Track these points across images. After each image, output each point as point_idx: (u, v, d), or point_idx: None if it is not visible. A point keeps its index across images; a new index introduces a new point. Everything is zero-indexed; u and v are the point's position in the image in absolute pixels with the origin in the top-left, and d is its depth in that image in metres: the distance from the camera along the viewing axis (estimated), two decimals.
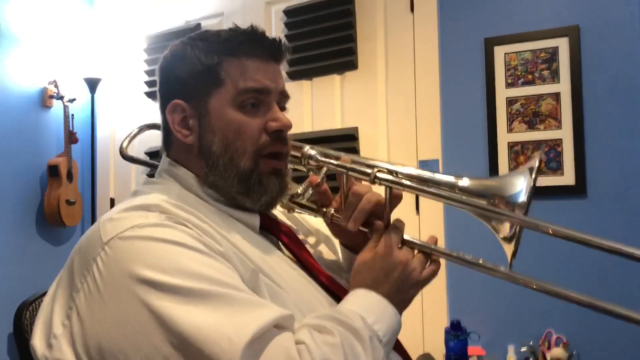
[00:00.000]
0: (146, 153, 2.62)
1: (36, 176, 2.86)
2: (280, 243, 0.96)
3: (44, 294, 1.04)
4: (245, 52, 0.90)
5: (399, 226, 0.89)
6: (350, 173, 0.93)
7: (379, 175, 0.90)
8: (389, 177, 0.90)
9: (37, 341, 0.73)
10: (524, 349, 1.99)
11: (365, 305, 0.82)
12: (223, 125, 0.88)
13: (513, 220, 0.83)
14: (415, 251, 0.89)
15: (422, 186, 0.90)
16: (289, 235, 0.97)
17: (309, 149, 0.93)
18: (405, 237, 0.89)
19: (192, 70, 0.89)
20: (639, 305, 0.77)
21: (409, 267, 0.86)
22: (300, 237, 1.01)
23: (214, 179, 0.88)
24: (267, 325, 0.67)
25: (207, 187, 0.90)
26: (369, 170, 0.91)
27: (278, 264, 0.88)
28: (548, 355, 1.91)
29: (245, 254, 0.83)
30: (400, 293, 0.85)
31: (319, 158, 0.93)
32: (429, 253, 0.89)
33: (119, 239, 0.73)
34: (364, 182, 0.94)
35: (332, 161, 0.94)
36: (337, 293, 0.92)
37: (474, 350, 2.03)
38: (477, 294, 2.11)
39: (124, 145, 1.31)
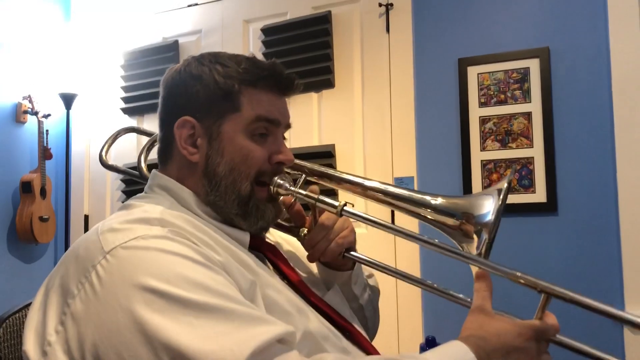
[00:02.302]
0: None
1: (8, 192, 2.81)
2: (267, 261, 0.98)
3: (20, 309, 1.03)
4: (264, 85, 0.93)
5: (556, 327, 0.81)
6: (318, 204, 0.96)
7: (346, 209, 0.93)
8: (356, 211, 0.93)
9: (30, 348, 0.73)
10: None
11: (450, 356, 0.74)
12: (232, 149, 0.91)
13: (473, 263, 0.84)
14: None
15: (389, 224, 0.92)
16: (276, 254, 0.99)
17: (277, 179, 0.95)
18: (560, 337, 0.81)
19: (208, 93, 0.91)
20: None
21: None
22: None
23: (215, 199, 0.91)
24: (270, 340, 0.67)
25: (204, 205, 0.91)
26: (336, 203, 0.94)
27: (269, 279, 0.89)
28: None
29: (243, 264, 0.84)
30: None
31: (288, 187, 0.95)
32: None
33: (122, 248, 0.73)
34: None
35: (300, 191, 0.96)
36: (325, 310, 0.95)
37: None
38: (452, 310, 2.12)
39: (103, 153, 1.31)
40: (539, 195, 2.06)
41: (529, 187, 2.07)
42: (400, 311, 2.20)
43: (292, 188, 0.95)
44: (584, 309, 0.77)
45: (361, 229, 1.95)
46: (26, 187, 2.77)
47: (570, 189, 2.03)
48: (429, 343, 1.93)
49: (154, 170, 0.97)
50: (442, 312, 2.16)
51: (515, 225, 2.07)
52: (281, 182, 0.95)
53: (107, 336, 0.67)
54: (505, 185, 0.87)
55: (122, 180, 2.84)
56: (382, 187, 0.98)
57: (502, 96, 2.15)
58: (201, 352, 0.63)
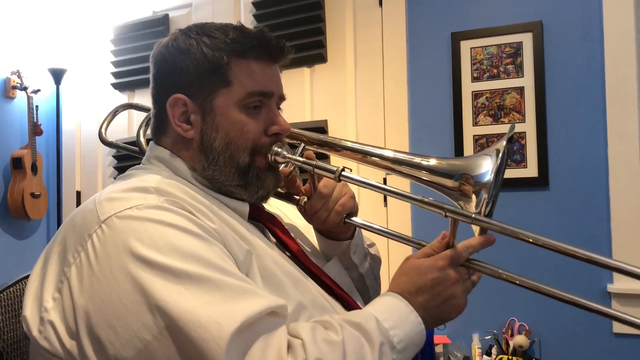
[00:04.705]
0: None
1: None
2: (267, 231, 0.98)
3: (14, 283, 1.03)
4: (254, 54, 0.91)
5: (469, 245, 0.85)
6: (316, 170, 0.96)
7: (345, 174, 0.93)
8: (354, 176, 0.93)
9: (29, 314, 0.74)
10: (488, 337, 2.05)
11: (387, 308, 0.80)
12: (227, 124, 0.90)
13: (477, 223, 0.85)
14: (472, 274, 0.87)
15: (388, 187, 0.92)
16: (275, 223, 0.99)
17: (275, 147, 0.95)
18: (480, 263, 0.85)
19: (197, 67, 0.89)
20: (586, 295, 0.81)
21: (458, 288, 0.83)
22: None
23: (213, 173, 0.90)
24: (258, 314, 0.67)
25: (201, 178, 0.91)
26: (334, 169, 0.94)
27: (267, 249, 0.89)
28: (511, 343, 1.97)
29: (240, 234, 0.85)
30: (439, 309, 0.83)
31: (286, 155, 0.95)
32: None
33: (117, 217, 0.73)
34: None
35: (298, 158, 0.97)
36: (324, 280, 0.95)
37: (440, 339, 2.08)
38: None
39: (103, 130, 1.31)
40: (531, 169, 2.07)
41: (521, 161, 2.08)
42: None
43: (290, 155, 0.95)
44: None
45: None
46: (17, 163, 2.76)
47: (562, 163, 2.04)
48: None
49: (151, 142, 0.97)
50: None
51: (507, 199, 2.08)
52: (279, 150, 0.94)
53: (99, 306, 0.68)
54: (504, 143, 0.87)
55: (114, 156, 2.82)
56: (381, 152, 0.98)
57: (495, 71, 2.14)
58: (190, 322, 0.64)
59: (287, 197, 1.04)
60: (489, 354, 2.01)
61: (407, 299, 0.82)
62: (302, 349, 0.68)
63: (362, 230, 1.08)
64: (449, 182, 0.91)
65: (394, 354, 0.76)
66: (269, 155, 0.94)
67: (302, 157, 0.98)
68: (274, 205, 1.09)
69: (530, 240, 0.81)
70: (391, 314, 0.79)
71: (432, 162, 0.93)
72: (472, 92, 2.17)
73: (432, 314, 0.82)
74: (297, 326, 0.73)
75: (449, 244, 0.86)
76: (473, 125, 2.16)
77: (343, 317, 0.77)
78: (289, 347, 0.69)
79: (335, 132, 2.39)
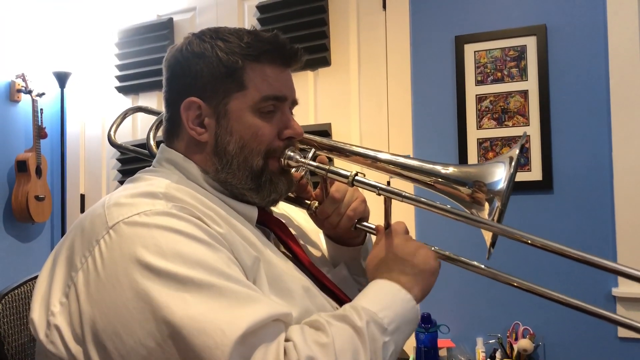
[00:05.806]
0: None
1: (4, 172, 2.80)
2: (273, 236, 0.98)
3: (19, 285, 1.03)
4: (268, 59, 0.92)
5: (400, 223, 0.94)
6: (329, 175, 0.96)
7: (358, 178, 0.93)
8: (368, 180, 0.93)
9: (36, 317, 0.75)
10: (492, 340, 2.04)
11: (371, 294, 0.82)
12: (241, 128, 0.90)
13: (490, 229, 0.85)
14: None
15: (401, 191, 0.91)
16: (283, 229, 0.99)
17: (287, 151, 0.95)
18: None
19: (212, 71, 0.90)
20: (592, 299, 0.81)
21: (417, 243, 0.90)
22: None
23: (226, 176, 0.91)
24: (261, 321, 0.67)
25: (213, 181, 0.91)
26: (347, 173, 0.93)
27: (274, 256, 0.89)
28: (515, 347, 1.96)
29: (248, 240, 0.85)
30: (415, 266, 0.87)
31: (299, 159, 0.94)
32: None
33: (125, 224, 0.73)
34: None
35: (311, 162, 0.96)
36: (329, 287, 0.95)
37: (443, 342, 2.07)
38: (446, 287, 2.15)
39: (112, 132, 1.31)
40: (535, 173, 2.07)
41: (525, 165, 2.08)
42: None
43: (303, 160, 0.95)
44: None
45: None
46: (21, 166, 2.77)
47: (566, 167, 2.04)
48: (424, 320, 1.96)
49: (162, 145, 0.97)
50: (436, 289, 2.17)
51: (511, 203, 2.06)
52: (292, 154, 0.94)
53: (104, 312, 0.69)
54: (517, 152, 0.87)
55: (118, 159, 2.83)
56: (393, 158, 0.97)
57: (499, 74, 2.14)
58: (194, 329, 0.64)
59: (297, 202, 1.03)
60: (493, 357, 2.01)
61: (387, 278, 0.85)
62: (294, 350, 0.68)
63: (373, 235, 1.07)
64: (461, 190, 0.90)
65: (386, 336, 0.76)
66: (282, 159, 0.94)
67: (314, 161, 0.97)
68: (281, 208, 1.08)
69: (529, 241, 0.81)
70: (378, 298, 0.81)
71: (446, 169, 0.93)
72: (476, 95, 2.17)
73: (414, 273, 0.86)
74: (288, 330, 0.73)
75: (387, 225, 0.94)
76: (477, 129, 2.15)
77: (330, 314, 0.77)
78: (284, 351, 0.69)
79: (338, 135, 2.39)
